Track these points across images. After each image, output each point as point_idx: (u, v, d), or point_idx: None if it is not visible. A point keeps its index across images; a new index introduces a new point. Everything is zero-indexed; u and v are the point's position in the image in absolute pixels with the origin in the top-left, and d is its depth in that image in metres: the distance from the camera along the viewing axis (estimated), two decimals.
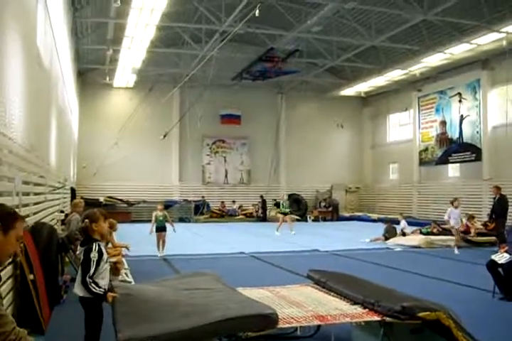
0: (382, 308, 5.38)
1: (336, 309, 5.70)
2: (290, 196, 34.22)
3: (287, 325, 5.19)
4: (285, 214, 23.24)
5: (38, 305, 7.00)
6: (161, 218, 15.45)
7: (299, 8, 24.57)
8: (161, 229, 15.38)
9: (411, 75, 29.92)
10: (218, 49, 24.40)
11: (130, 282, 10.47)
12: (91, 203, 21.86)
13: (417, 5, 21.85)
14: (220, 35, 23.87)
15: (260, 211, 32.55)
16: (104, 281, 5.30)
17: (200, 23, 24.45)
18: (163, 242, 15.47)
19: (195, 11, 24.26)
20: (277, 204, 30.40)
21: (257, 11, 18.17)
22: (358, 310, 5.65)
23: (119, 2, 18.93)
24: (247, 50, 29.47)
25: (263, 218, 32.14)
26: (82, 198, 18.86)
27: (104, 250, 5.50)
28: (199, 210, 32.30)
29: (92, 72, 31.06)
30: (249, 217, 32.61)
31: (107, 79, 30.21)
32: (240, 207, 33.46)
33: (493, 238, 17.52)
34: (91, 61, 29.07)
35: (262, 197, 32.74)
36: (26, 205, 9.63)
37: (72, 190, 24.99)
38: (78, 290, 5.29)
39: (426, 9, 21.62)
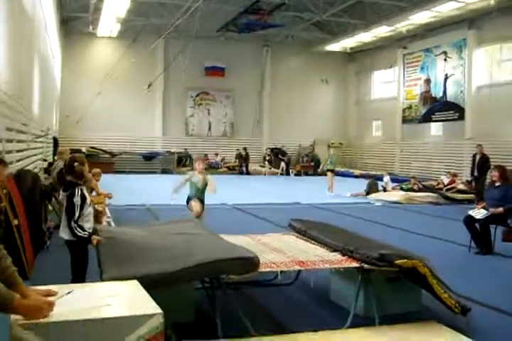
0: (361, 255, 5.52)
1: (316, 255, 5.84)
2: (272, 150, 34.43)
3: (268, 269, 5.32)
4: (332, 170, 20.69)
5: (23, 251, 7.07)
6: (198, 185, 10.17)
7: None
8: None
9: (397, 32, 29.69)
10: (204, 0, 24.03)
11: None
12: (73, 153, 21.79)
13: None
14: None
15: (243, 164, 32.60)
16: (88, 224, 5.39)
17: None
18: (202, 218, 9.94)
19: None
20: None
21: None
22: (337, 256, 5.79)
23: None
24: (233, 2, 28.98)
25: (246, 171, 32.27)
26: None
27: (86, 194, 5.57)
28: (182, 162, 32.32)
29: (75, 20, 30.46)
30: (232, 169, 32.69)
31: (91, 28, 29.71)
32: (223, 159, 33.51)
33: (472, 195, 17.85)
34: (75, 9, 28.45)
35: (245, 149, 32.73)
36: (9, 152, 9.64)
37: (55, 140, 24.89)
38: (64, 233, 5.38)
39: None
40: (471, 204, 16.07)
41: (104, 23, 28.47)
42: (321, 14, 28.64)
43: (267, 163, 33.01)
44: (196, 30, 27.61)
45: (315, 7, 28.46)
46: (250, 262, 5.03)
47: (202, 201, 10.31)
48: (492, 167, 10.11)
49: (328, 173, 20.63)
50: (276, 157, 34.10)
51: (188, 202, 10.22)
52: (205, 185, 10.26)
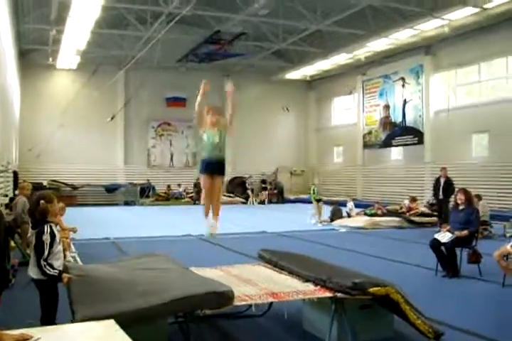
0: (334, 284, 5.54)
1: (289, 286, 5.84)
2: (234, 179, 34.40)
3: (243, 303, 5.31)
4: (318, 200, 20.15)
5: None
6: (214, 138, 7.59)
7: None
8: (211, 166, 7.50)
9: (356, 59, 30.18)
10: (164, 31, 24.17)
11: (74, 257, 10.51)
12: (34, 187, 21.46)
13: None
14: (165, 16, 23.60)
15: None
16: (58, 262, 5.31)
17: (146, 5, 24.05)
18: (217, 202, 7.79)
19: None
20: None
21: None
22: (310, 287, 5.80)
23: None
24: (193, 32, 29.26)
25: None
26: (24, 181, 18.54)
27: (56, 231, 5.49)
28: (144, 193, 32.12)
29: (34, 52, 30.26)
30: (193, 200, 32.55)
31: (50, 60, 29.53)
32: (185, 189, 33.37)
33: (435, 218, 18.06)
34: (33, 41, 28.27)
35: None
36: None
37: (15, 174, 24.49)
38: (32, 273, 5.28)
39: None
40: (434, 228, 16.33)
41: (64, 55, 28.29)
42: (280, 43, 29.01)
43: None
44: (156, 61, 27.77)
45: (274, 36, 28.82)
46: (225, 296, 5.01)
47: (221, 167, 7.58)
48: (458, 190, 10.26)
49: (314, 203, 20.21)
50: (239, 186, 34.10)
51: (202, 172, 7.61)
52: (223, 135, 7.69)
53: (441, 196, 17.42)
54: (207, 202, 7.66)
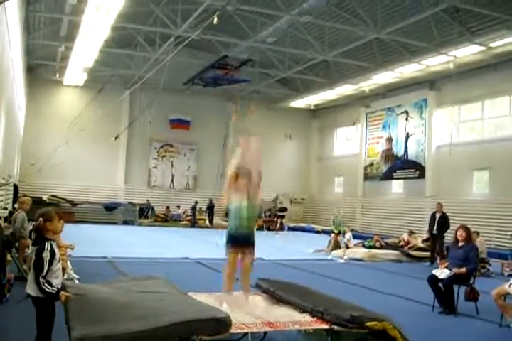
0: (331, 316, 5.51)
1: (286, 316, 5.81)
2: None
3: (239, 331, 5.28)
4: (339, 233, 18.90)
5: None
6: (244, 211, 6.80)
7: (255, 19, 24.73)
8: (241, 239, 6.74)
9: (360, 91, 30.44)
10: (172, 54, 24.39)
11: (77, 278, 10.46)
12: (34, 201, 21.44)
13: (370, 23, 22.37)
14: (174, 39, 23.84)
15: (210, 215, 32.49)
16: (57, 280, 5.27)
17: (156, 26, 24.36)
18: (246, 277, 6.98)
19: (151, 14, 24.12)
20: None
21: (215, 19, 18.21)
22: (306, 317, 5.76)
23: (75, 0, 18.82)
24: (200, 56, 29.54)
25: (211, 223, 32.21)
26: (25, 196, 18.55)
27: (56, 249, 5.47)
28: (143, 214, 32.06)
29: (42, 68, 30.57)
30: (192, 223, 32.51)
31: (57, 76, 29.78)
32: (185, 212, 33.32)
33: (429, 253, 17.96)
34: (42, 57, 28.58)
35: (210, 201, 32.66)
36: None
37: (15, 187, 24.49)
38: (30, 290, 5.24)
39: (379, 28, 22.17)
40: (431, 263, 16.29)
41: (71, 71, 28.59)
42: (286, 71, 29.29)
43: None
44: (163, 83, 27.90)
45: (281, 64, 29.10)
46: (223, 323, 4.98)
47: (249, 241, 6.84)
48: (458, 226, 10.22)
49: (333, 235, 19.27)
50: None
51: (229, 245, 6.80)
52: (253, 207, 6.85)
53: (435, 231, 17.38)
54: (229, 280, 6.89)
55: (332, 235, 19.07)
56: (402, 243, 19.58)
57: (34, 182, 30.33)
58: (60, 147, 29.30)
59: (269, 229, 33.10)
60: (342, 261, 17.51)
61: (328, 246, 19.54)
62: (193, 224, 31.97)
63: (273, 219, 34.30)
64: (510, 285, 8.39)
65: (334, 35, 25.45)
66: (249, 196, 6.98)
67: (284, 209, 33.54)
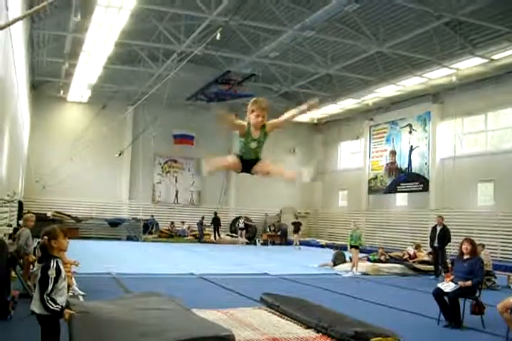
0: (336, 333, 5.49)
1: (290, 333, 5.79)
2: (237, 219, 34.28)
3: None
4: (357, 247, 18.12)
5: None
6: (251, 144, 6.18)
7: (257, 34, 24.82)
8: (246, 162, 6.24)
9: (363, 104, 30.51)
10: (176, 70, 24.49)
11: (83, 295, 10.43)
12: (38, 218, 21.43)
13: (372, 37, 22.47)
14: (177, 55, 23.98)
15: (216, 228, 32.47)
16: (62, 298, 5.27)
17: (159, 42, 24.52)
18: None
19: (154, 30, 24.27)
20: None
21: (218, 35, 18.29)
22: (311, 333, 5.75)
23: (79, 17, 18.96)
24: (203, 71, 29.65)
25: (218, 235, 32.19)
26: (29, 212, 18.56)
27: (62, 267, 5.47)
28: (148, 229, 32.01)
29: (46, 84, 30.72)
30: (198, 238, 32.42)
31: (61, 92, 29.88)
32: (189, 227, 33.26)
33: (432, 267, 17.87)
34: (46, 74, 28.73)
35: (216, 214, 32.66)
36: None
37: (20, 204, 24.50)
38: (35, 307, 5.24)
39: (381, 41, 22.30)
40: (436, 276, 16.23)
41: (75, 88, 28.70)
42: (289, 85, 29.37)
43: (240, 231, 32.88)
44: (166, 98, 28.05)
45: (283, 78, 29.19)
46: (226, 340, 4.95)
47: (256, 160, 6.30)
48: (464, 239, 10.19)
49: (353, 250, 18.13)
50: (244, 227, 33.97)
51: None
52: (263, 140, 6.35)
53: (436, 244, 17.33)
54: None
55: (352, 249, 18.10)
56: (406, 256, 19.52)
57: (38, 199, 30.34)
58: (64, 163, 29.38)
59: (273, 244, 33.06)
60: (347, 275, 17.44)
61: (332, 261, 19.46)
62: (200, 239, 31.90)
63: (276, 233, 34.25)
64: None
65: (337, 49, 25.57)
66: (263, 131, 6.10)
67: (299, 224, 33.17)
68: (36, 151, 30.82)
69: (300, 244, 30.98)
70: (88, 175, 31.62)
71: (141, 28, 24.46)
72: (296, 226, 31.45)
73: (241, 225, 32.84)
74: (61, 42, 23.60)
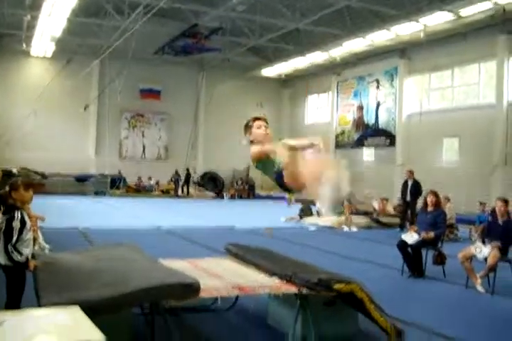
0: (300, 280, 5.56)
1: (255, 280, 5.85)
2: (206, 174, 34.33)
3: (209, 295, 5.32)
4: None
5: None
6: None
7: None
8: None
9: (331, 59, 30.36)
10: (141, 22, 24.01)
11: (49, 248, 10.41)
12: (4, 174, 21.19)
13: None
14: (143, 8, 23.45)
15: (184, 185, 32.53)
16: (27, 250, 5.30)
17: None
18: None
19: None
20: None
21: None
22: (275, 281, 5.81)
23: None
24: (170, 24, 29.17)
25: (187, 192, 32.25)
26: None
27: (27, 219, 5.47)
28: (115, 185, 31.89)
29: (8, 37, 29.95)
30: (165, 193, 32.45)
31: (24, 46, 29.20)
32: (157, 182, 33.22)
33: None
34: (7, 25, 27.91)
35: (188, 170, 32.67)
36: None
37: None
38: (0, 258, 5.25)
39: None
40: (402, 229, 16.50)
41: (38, 41, 27.99)
42: (257, 39, 29.05)
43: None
44: (132, 52, 27.63)
45: (251, 32, 28.84)
46: (190, 288, 5.00)
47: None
48: (428, 192, 10.36)
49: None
50: (211, 181, 34.05)
51: None
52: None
53: (408, 198, 17.55)
54: None
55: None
56: (372, 210, 19.74)
57: (3, 155, 29.90)
58: (28, 118, 28.90)
59: (240, 197, 33.21)
60: (313, 228, 17.65)
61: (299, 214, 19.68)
62: (176, 193, 32.06)
63: (244, 188, 34.40)
64: (476, 248, 8.57)
65: (305, 2, 25.25)
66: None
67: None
68: None
69: (268, 198, 31.25)
70: (54, 131, 31.27)
71: None
72: None
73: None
74: None
